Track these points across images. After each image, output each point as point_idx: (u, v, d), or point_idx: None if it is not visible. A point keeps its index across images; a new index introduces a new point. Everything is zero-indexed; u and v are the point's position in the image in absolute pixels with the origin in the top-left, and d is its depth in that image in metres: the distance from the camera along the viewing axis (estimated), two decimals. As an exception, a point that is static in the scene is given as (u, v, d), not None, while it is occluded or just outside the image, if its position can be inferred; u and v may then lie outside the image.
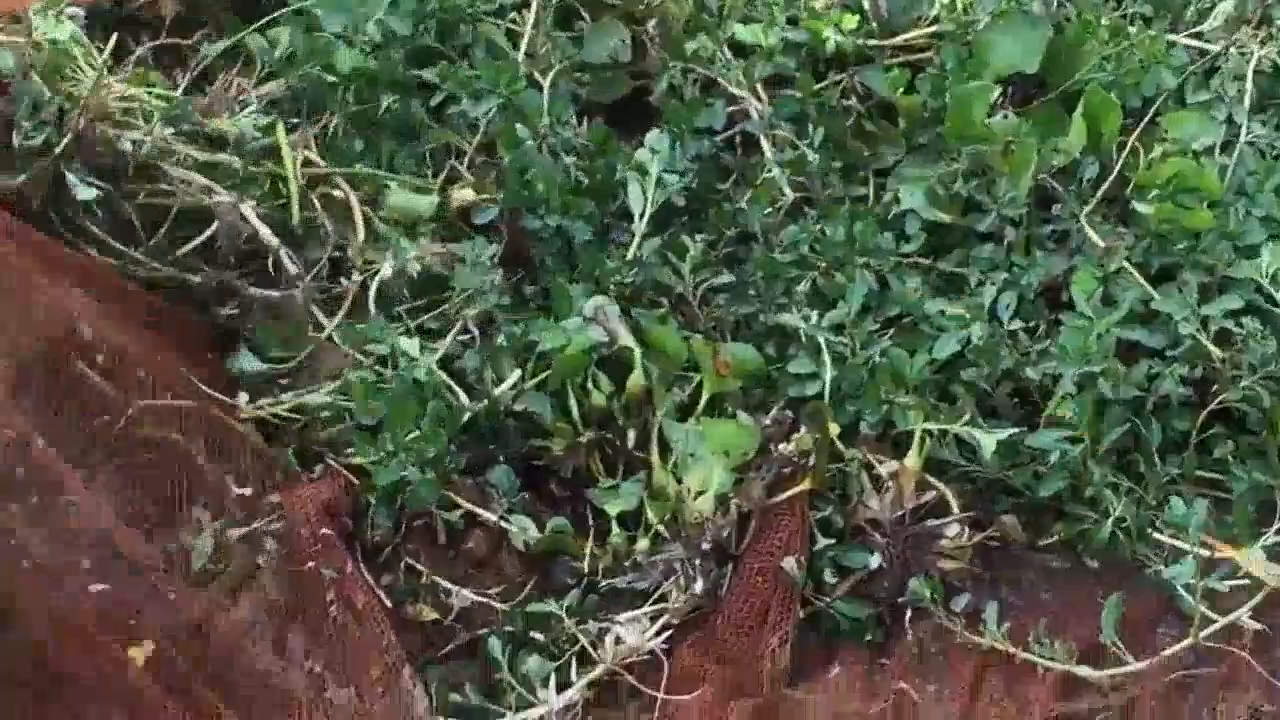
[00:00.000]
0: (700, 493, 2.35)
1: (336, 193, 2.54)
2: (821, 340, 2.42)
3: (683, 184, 2.57)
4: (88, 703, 1.98)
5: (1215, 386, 2.37)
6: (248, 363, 2.48)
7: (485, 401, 2.38)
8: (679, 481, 2.36)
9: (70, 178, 2.31)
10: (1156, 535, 2.31)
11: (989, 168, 2.55)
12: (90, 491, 2.09)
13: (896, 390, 2.41)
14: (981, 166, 2.55)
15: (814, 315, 2.46)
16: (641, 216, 2.54)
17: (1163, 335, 2.40)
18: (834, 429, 2.39)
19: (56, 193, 2.35)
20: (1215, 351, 2.35)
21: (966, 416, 2.36)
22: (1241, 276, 2.39)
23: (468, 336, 2.47)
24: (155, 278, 2.44)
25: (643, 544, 2.36)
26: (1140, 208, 2.48)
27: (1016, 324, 2.44)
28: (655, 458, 2.39)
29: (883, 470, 2.39)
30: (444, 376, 2.39)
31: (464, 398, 2.39)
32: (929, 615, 2.31)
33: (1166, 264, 2.46)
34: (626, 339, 2.43)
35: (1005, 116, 2.58)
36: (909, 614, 2.33)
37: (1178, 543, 2.23)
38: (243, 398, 2.41)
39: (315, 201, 2.51)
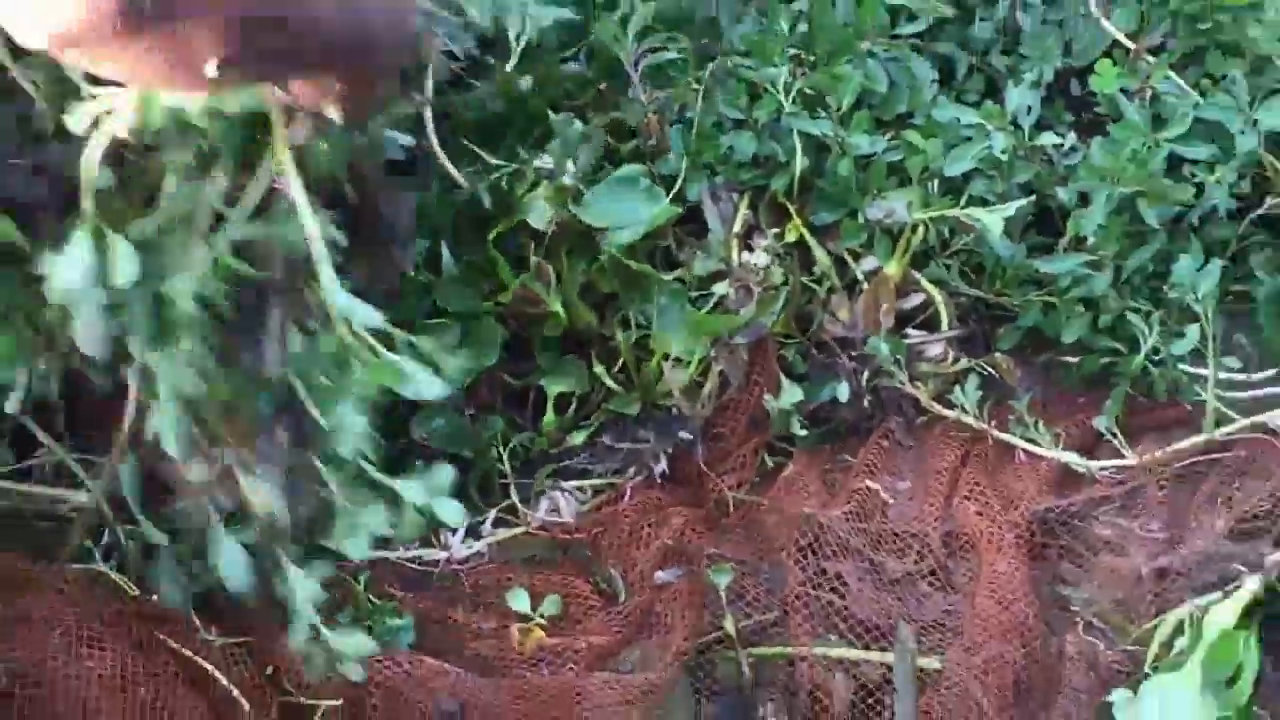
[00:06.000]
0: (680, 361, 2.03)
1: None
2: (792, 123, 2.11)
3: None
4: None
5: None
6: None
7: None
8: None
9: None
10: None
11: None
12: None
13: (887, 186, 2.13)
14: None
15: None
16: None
17: (1206, 145, 2.10)
18: (798, 226, 2.11)
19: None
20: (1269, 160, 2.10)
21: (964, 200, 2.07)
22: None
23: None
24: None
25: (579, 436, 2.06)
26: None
27: (1047, 138, 2.13)
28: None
29: (859, 269, 2.11)
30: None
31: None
32: (901, 411, 2.02)
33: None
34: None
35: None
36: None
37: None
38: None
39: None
